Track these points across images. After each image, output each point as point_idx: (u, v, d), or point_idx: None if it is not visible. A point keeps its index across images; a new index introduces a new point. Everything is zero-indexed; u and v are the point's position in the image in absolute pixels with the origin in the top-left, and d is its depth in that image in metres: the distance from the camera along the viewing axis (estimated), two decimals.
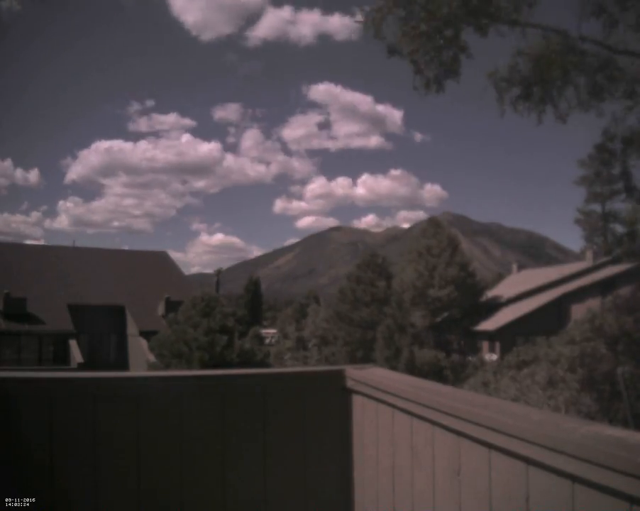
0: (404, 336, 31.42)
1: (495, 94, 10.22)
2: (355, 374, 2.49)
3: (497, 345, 33.10)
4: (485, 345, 34.96)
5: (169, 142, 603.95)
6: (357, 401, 2.47)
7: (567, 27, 9.92)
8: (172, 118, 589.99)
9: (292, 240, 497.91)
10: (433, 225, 39.59)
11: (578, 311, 28.39)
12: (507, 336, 31.44)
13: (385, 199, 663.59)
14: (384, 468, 2.26)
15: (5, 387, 2.23)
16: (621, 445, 1.30)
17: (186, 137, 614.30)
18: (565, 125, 10.47)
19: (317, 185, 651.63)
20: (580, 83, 10.00)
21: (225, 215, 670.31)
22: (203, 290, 26.30)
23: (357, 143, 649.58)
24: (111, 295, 34.41)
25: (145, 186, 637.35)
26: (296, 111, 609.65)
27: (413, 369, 28.46)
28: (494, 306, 37.35)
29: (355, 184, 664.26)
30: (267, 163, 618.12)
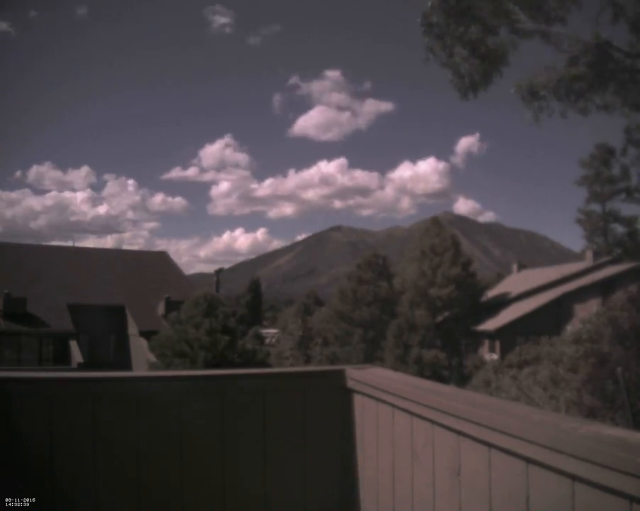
0: (414, 335, 31.46)
1: (522, 100, 10.39)
2: (355, 374, 2.49)
3: (497, 344, 33.11)
4: (485, 344, 34.97)
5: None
6: (357, 401, 2.47)
7: (588, 31, 10.04)
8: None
9: (292, 240, 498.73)
10: (435, 224, 39.61)
11: (578, 311, 28.41)
12: (507, 336, 31.44)
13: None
14: (384, 467, 2.26)
15: (5, 387, 2.23)
16: (621, 445, 1.30)
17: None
18: (568, 125, 10.66)
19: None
20: (607, 88, 10.13)
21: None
22: (204, 290, 26.29)
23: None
24: (111, 295, 34.39)
25: None
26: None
27: (422, 368, 28.50)
28: (494, 306, 37.36)
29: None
30: None
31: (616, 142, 39.77)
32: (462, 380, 26.26)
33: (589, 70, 9.78)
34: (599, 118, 10.76)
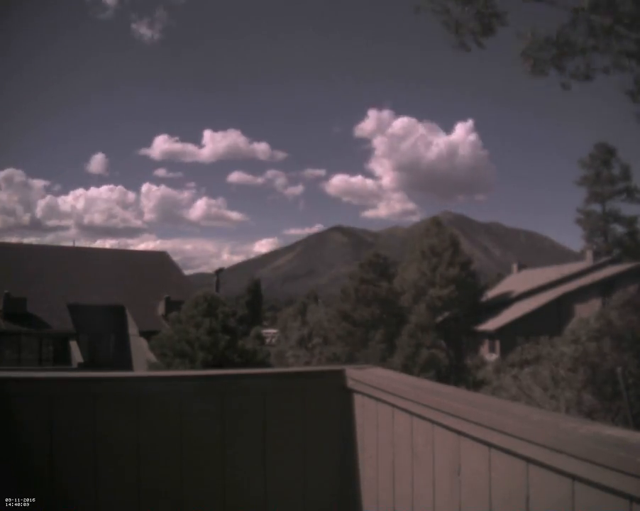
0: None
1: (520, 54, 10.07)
2: (355, 374, 2.49)
3: (497, 344, 33.12)
4: (486, 344, 34.98)
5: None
6: (357, 401, 2.47)
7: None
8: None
9: (292, 240, 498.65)
10: (435, 224, 39.61)
11: (578, 310, 28.40)
12: (507, 336, 31.46)
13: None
14: (384, 467, 2.26)
15: (5, 387, 2.23)
16: (621, 445, 1.30)
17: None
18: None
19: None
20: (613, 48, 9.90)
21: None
22: (204, 290, 26.29)
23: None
24: (111, 295, 34.39)
25: None
26: None
27: (424, 369, 28.51)
28: (495, 306, 37.36)
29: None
30: None
31: (615, 142, 39.74)
32: (462, 380, 26.26)
33: (590, 32, 9.57)
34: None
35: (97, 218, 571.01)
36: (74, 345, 30.52)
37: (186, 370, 19.51)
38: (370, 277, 36.89)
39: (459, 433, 1.79)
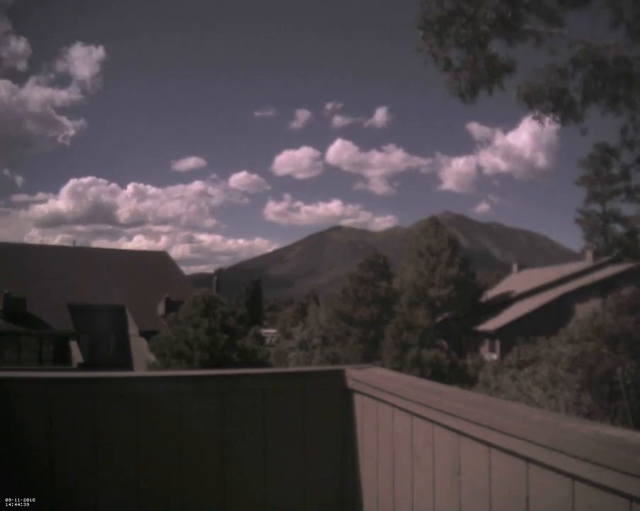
0: (412, 335, 31.43)
1: (521, 103, 10.48)
2: (355, 374, 2.49)
3: (497, 344, 33.12)
4: (486, 344, 34.98)
5: None
6: (357, 401, 2.47)
7: (588, 35, 10.11)
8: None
9: (292, 240, 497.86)
10: (432, 224, 39.56)
11: (578, 310, 28.39)
12: (507, 336, 31.46)
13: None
14: (384, 467, 2.26)
15: (5, 387, 2.23)
16: (621, 445, 1.30)
17: None
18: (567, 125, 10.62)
19: None
20: (603, 93, 10.20)
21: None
22: (203, 290, 26.26)
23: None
24: (111, 295, 34.36)
25: None
26: None
27: (421, 368, 28.48)
28: (495, 306, 37.35)
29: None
30: None
31: (615, 141, 39.60)
32: (461, 380, 26.25)
33: (586, 78, 9.84)
34: (597, 117, 10.75)
35: (172, 214, 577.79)
36: (74, 345, 30.50)
37: (184, 370, 19.47)
38: (369, 277, 36.87)
39: (459, 433, 1.79)
